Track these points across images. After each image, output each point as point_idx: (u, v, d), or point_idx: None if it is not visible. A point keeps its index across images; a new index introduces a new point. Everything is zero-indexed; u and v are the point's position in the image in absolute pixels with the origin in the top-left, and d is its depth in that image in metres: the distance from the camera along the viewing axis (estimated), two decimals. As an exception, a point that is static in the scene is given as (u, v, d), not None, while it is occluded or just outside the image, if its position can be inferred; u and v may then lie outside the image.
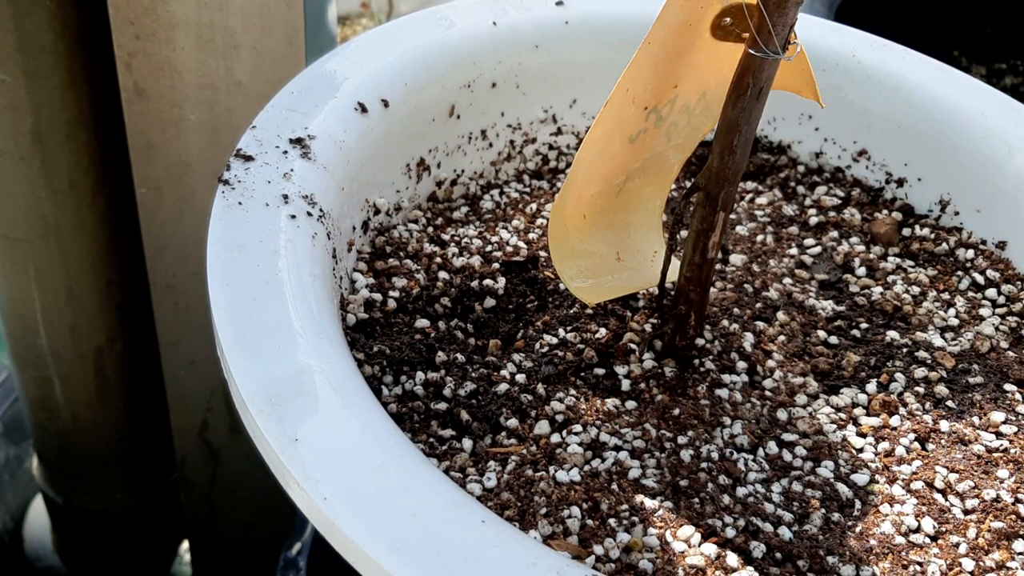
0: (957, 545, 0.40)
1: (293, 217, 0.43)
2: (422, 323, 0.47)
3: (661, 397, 0.45)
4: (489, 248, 0.52)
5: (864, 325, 0.50)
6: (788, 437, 0.44)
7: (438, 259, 0.50)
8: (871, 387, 0.47)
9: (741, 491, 0.41)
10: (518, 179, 0.59)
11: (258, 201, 0.43)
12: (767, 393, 0.46)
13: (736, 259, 0.53)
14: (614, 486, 0.40)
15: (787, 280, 0.53)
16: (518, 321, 0.48)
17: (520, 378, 0.45)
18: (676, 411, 0.44)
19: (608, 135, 0.43)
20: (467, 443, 0.42)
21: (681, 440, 0.43)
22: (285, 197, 0.44)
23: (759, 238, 0.56)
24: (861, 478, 0.43)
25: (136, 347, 0.81)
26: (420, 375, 0.44)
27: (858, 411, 0.46)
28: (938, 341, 0.50)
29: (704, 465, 0.42)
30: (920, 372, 0.48)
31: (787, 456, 0.43)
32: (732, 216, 0.57)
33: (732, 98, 0.40)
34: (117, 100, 0.66)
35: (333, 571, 0.67)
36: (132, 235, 0.74)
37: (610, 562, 0.37)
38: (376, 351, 0.44)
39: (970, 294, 0.53)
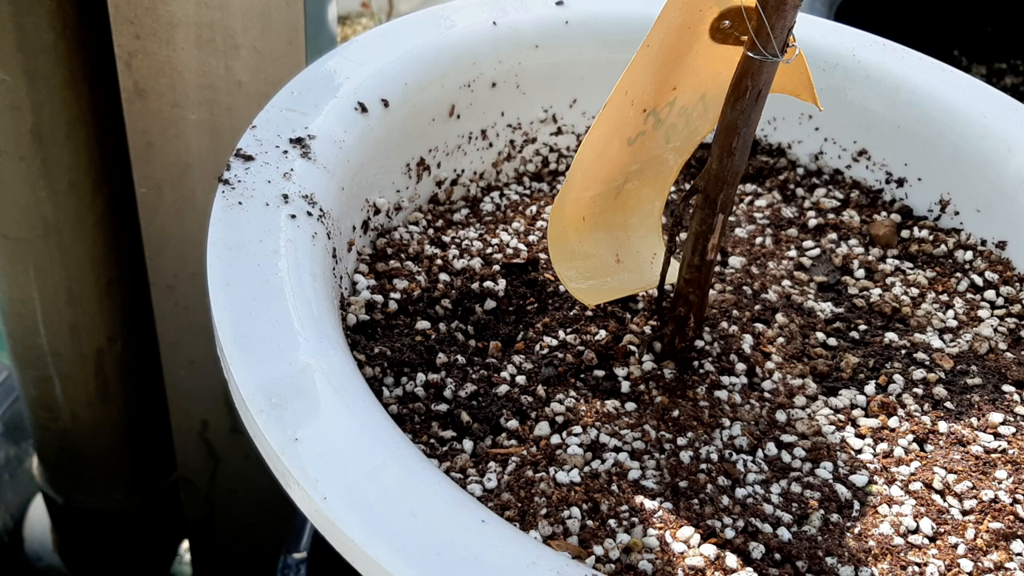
0: (955, 546, 0.40)
1: (293, 217, 0.43)
2: (423, 325, 0.47)
3: (660, 399, 0.45)
4: (489, 250, 0.52)
5: (863, 327, 0.51)
6: (787, 438, 0.44)
7: (439, 261, 0.50)
8: (870, 388, 0.47)
9: (740, 492, 0.41)
10: (518, 181, 0.59)
11: (258, 201, 0.43)
12: (766, 395, 0.46)
13: (735, 261, 0.54)
14: (614, 487, 0.40)
15: (786, 282, 0.53)
16: (518, 323, 0.48)
17: (520, 380, 0.45)
18: (675, 412, 0.44)
19: (607, 137, 0.43)
20: (467, 444, 0.42)
21: (680, 441, 0.43)
22: (285, 197, 0.44)
23: (758, 240, 0.56)
24: (860, 479, 0.43)
25: (136, 347, 0.81)
26: (421, 376, 0.44)
27: (857, 412, 0.46)
28: (936, 343, 0.50)
29: (703, 466, 0.42)
30: (918, 373, 0.48)
31: (786, 457, 0.43)
32: (731, 218, 0.57)
33: (731, 100, 0.40)
34: (117, 100, 0.66)
35: (333, 572, 0.67)
36: (132, 235, 0.74)
37: (610, 562, 0.38)
38: (377, 352, 0.44)
39: (968, 296, 0.53)
